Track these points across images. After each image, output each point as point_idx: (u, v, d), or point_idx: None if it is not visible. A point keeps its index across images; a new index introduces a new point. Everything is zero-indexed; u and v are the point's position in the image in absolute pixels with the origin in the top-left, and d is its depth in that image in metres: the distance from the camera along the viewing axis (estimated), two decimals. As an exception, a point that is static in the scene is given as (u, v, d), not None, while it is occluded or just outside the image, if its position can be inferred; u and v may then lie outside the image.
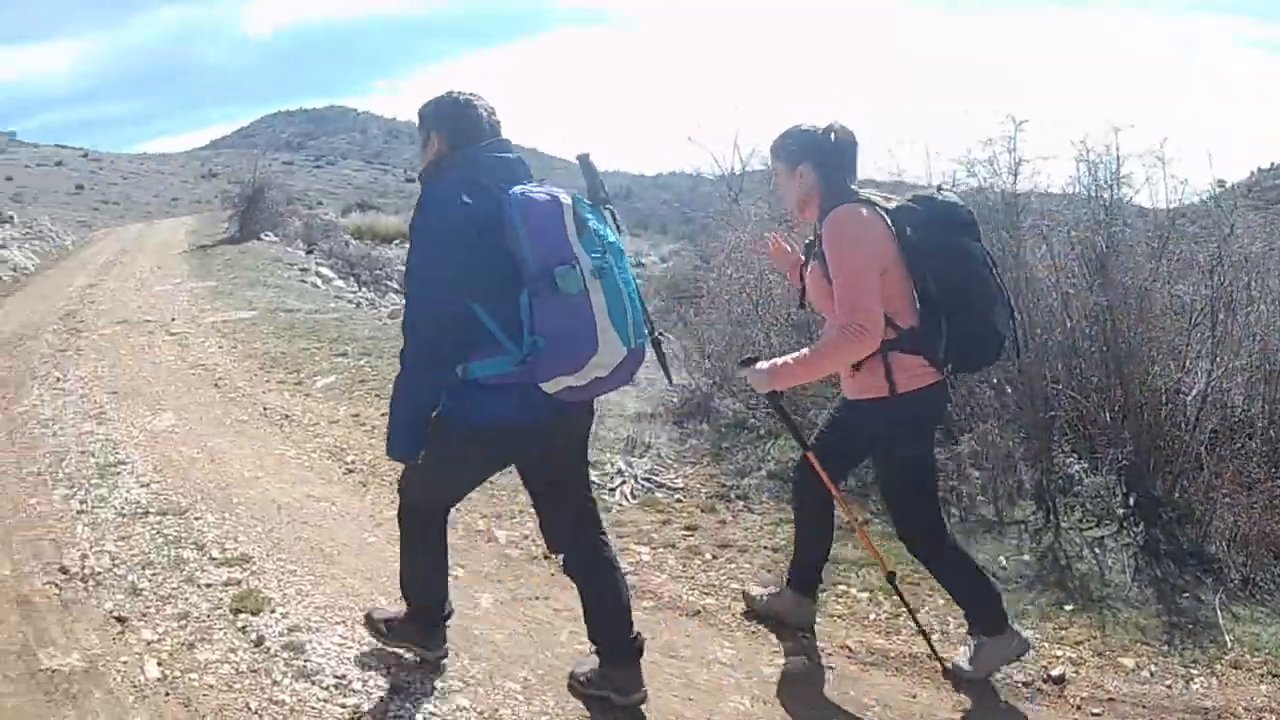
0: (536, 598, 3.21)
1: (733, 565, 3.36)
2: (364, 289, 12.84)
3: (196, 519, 4.13)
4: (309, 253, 15.58)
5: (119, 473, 4.71)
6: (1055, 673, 2.60)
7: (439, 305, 1.97)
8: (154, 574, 3.59)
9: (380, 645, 2.74)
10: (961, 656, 2.56)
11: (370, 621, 2.72)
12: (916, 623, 2.66)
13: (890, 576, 2.60)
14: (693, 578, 3.26)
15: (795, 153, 2.37)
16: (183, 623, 3.21)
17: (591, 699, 2.37)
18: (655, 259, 18.98)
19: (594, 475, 3.98)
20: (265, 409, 5.91)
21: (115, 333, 8.54)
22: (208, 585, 3.49)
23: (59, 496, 4.43)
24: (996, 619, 2.46)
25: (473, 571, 3.43)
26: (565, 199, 1.95)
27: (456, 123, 2.12)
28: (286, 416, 5.70)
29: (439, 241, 1.95)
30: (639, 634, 2.28)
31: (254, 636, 3.09)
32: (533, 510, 2.52)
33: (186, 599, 3.39)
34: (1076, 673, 2.65)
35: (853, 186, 2.35)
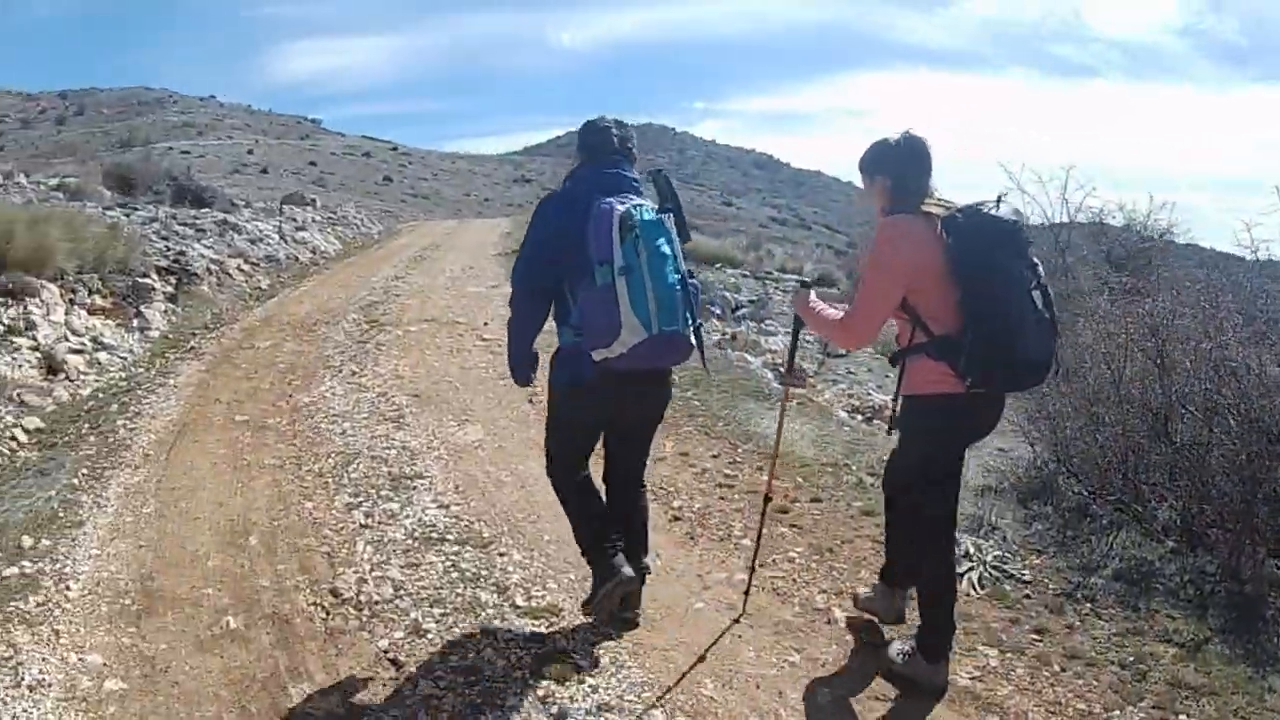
0: (878, 698, 3.69)
1: (1080, 681, 3.85)
2: (687, 312, 14.97)
3: (500, 555, 4.67)
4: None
5: (414, 488, 5.51)
6: None
7: (529, 278, 3.74)
8: (443, 614, 4.07)
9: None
10: (894, 649, 3.86)
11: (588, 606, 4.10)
12: (755, 555, 4.31)
13: (766, 499, 4.22)
14: (1039, 692, 3.77)
15: (872, 165, 3.58)
16: (471, 679, 3.58)
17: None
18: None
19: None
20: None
21: (421, 331, 10.10)
22: (507, 639, 3.89)
23: (341, 505, 5.28)
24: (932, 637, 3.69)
25: (810, 658, 3.88)
26: (620, 208, 3.46)
27: (586, 145, 3.80)
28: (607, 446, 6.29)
29: (532, 239, 3.73)
30: (646, 565, 4.00)
31: (555, 710, 3.40)
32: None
33: (479, 651, 3.79)
34: None
35: (930, 191, 3.49)
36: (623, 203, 3.52)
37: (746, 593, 4.20)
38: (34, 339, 8.86)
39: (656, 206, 3.66)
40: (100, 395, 8.12)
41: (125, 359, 9.50)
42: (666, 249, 3.55)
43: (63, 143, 48.95)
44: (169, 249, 13.07)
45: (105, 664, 3.66)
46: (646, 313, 3.44)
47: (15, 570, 4.48)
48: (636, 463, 4.11)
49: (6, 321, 8.84)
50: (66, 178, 16.39)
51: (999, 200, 3.42)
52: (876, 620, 4.08)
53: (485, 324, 10.55)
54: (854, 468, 6.16)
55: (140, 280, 11.44)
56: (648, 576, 4.06)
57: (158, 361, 9.45)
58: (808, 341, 12.61)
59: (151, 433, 6.64)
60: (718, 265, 24.06)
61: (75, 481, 5.76)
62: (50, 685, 3.52)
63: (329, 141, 70.61)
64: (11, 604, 4.11)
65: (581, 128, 3.86)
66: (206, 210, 16.99)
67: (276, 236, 17.35)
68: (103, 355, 9.37)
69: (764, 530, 4.35)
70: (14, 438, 7.15)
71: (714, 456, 6.34)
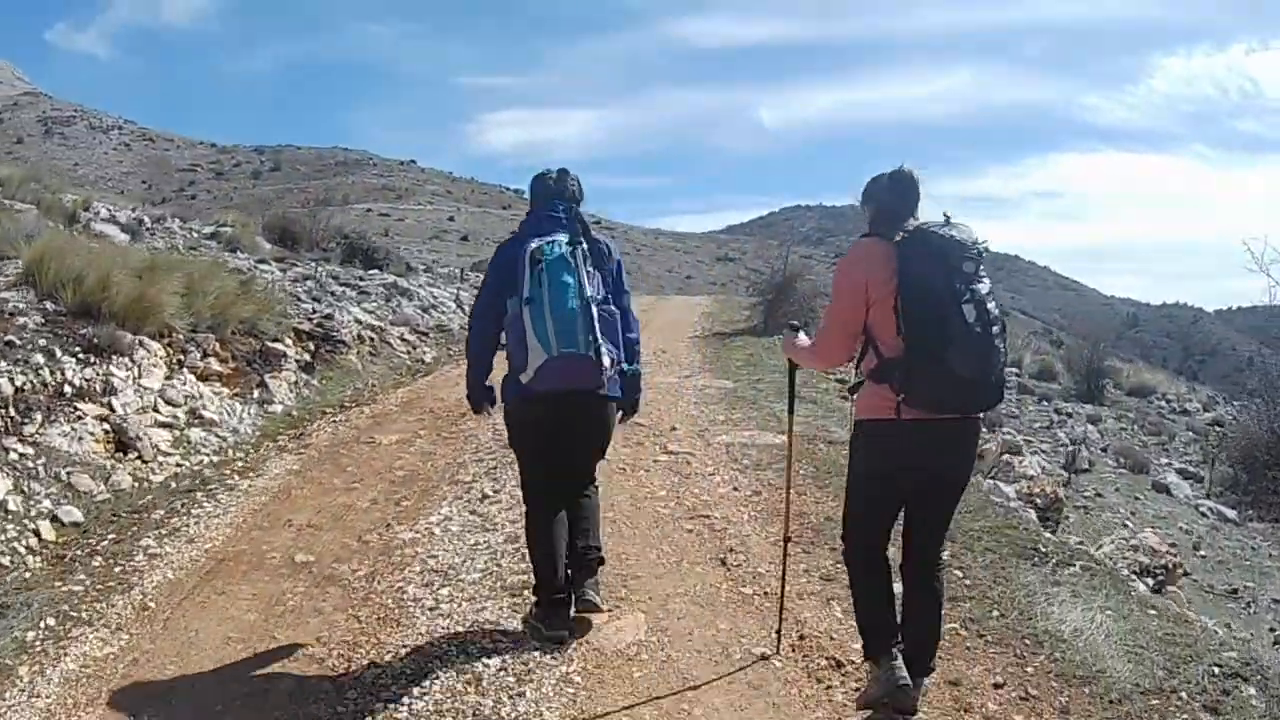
0: None
1: None
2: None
3: None
4: (850, 361, 16.49)
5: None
6: None
7: (482, 317, 4.33)
8: None
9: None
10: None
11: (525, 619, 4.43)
12: (781, 590, 4.32)
13: (786, 540, 4.33)
14: None
15: (866, 196, 3.74)
16: None
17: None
18: (1196, 405, 21.65)
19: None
20: (801, 636, 4.33)
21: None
22: None
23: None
24: (875, 648, 3.65)
25: None
26: (531, 245, 4.05)
27: (533, 191, 4.41)
28: (835, 664, 4.15)
29: (487, 281, 4.39)
30: (598, 553, 4.32)
31: None
32: None
33: None
34: None
35: (911, 220, 3.54)
36: (540, 240, 4.06)
37: None
38: (108, 406, 7.26)
39: (567, 239, 4.09)
40: (172, 485, 6.46)
41: (225, 439, 7.80)
42: (568, 279, 3.99)
43: (258, 196, 50.86)
44: (314, 310, 11.57)
45: None
46: (546, 336, 3.92)
47: None
48: (578, 482, 4.37)
49: (78, 383, 7.26)
50: (223, 226, 15.37)
51: (946, 220, 3.45)
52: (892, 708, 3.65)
53: (673, 429, 8.29)
54: (1185, 696, 4.06)
55: (270, 344, 9.85)
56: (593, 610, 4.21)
57: (264, 445, 7.72)
58: (1041, 451, 11.79)
59: (172, 568, 4.74)
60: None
61: (31, 636, 4.05)
62: None
63: (532, 213, 73.40)
64: None
65: (531, 180, 4.40)
66: (375, 271, 15.72)
67: (453, 304, 15.94)
68: (196, 433, 7.68)
69: None
70: (37, 532, 5.69)
71: (997, 686, 3.96)
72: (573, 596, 4.10)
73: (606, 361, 3.95)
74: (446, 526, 5.40)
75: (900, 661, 3.54)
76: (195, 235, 14.62)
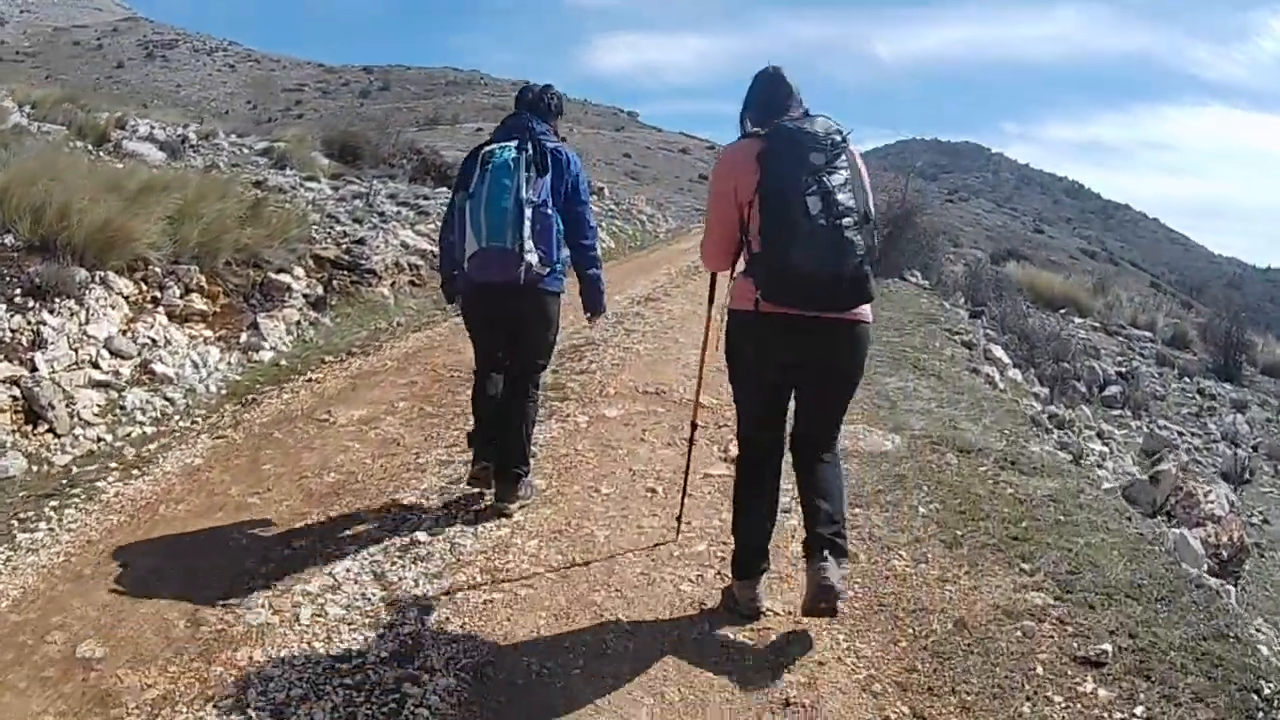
0: None
1: None
2: (1053, 396, 10.37)
3: None
4: (974, 316, 13.53)
5: None
6: None
7: (449, 213, 4.43)
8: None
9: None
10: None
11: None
12: (684, 490, 4.25)
13: (693, 428, 4.18)
14: None
15: (744, 103, 3.61)
16: None
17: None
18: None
19: None
20: None
21: (625, 417, 5.92)
22: None
23: None
24: (740, 571, 3.57)
25: None
26: (484, 150, 4.20)
27: (515, 100, 4.54)
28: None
29: (457, 175, 4.45)
30: (521, 468, 4.46)
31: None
32: None
33: None
34: None
35: (786, 116, 3.38)
36: (494, 145, 4.18)
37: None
38: (29, 364, 5.66)
39: (516, 145, 4.15)
40: (74, 472, 4.93)
41: (173, 402, 6.08)
42: (507, 181, 4.07)
43: (366, 115, 49.74)
44: (345, 234, 9.86)
45: None
46: (480, 230, 4.03)
47: None
48: (518, 369, 4.47)
49: (-2, 334, 5.69)
50: (277, 142, 13.72)
51: (806, 113, 3.33)
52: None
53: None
54: None
55: (274, 276, 8.14)
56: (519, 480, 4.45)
57: (223, 409, 6.07)
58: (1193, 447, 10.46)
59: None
60: (1064, 310, 18.47)
61: None
62: None
63: (645, 135, 71.18)
64: None
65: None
66: (445, 190, 13.99)
67: (531, 226, 14.14)
68: (137, 394, 5.99)
69: None
70: None
71: None
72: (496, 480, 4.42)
73: (533, 259, 4.03)
74: (324, 605, 3.42)
75: (760, 591, 3.55)
76: (246, 152, 12.98)
